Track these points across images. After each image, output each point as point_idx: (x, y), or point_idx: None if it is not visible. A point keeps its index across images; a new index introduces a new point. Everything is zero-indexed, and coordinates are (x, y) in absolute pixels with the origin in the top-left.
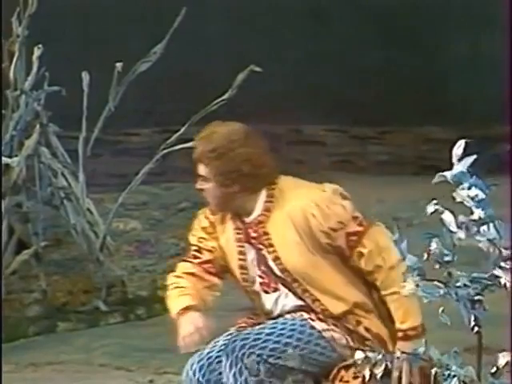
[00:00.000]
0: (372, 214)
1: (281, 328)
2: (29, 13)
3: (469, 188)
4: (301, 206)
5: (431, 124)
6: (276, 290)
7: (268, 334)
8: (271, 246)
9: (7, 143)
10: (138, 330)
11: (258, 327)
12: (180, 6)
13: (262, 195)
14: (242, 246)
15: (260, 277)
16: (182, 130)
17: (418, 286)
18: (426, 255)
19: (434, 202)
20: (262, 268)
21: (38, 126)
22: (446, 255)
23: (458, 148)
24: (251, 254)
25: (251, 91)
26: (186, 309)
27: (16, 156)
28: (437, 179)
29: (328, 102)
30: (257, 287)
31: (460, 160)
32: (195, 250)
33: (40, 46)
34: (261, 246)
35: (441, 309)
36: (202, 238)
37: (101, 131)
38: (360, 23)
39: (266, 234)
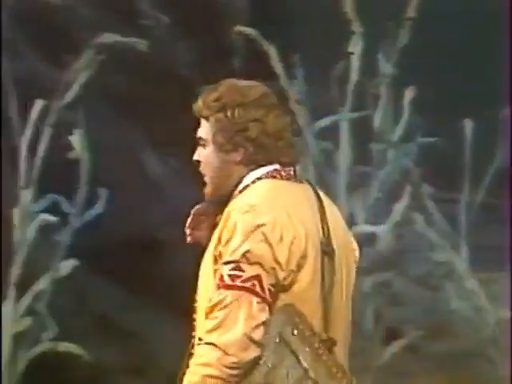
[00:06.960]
0: None
1: None
2: (399, 46)
3: None
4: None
5: None
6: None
7: None
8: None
9: (370, 207)
10: None
11: None
12: None
13: (247, 178)
14: None
15: None
16: None
17: None
18: None
19: None
20: None
21: (408, 187)
22: None
23: None
24: None
25: None
26: None
27: (383, 224)
28: None
29: None
30: None
31: None
32: None
33: (412, 87)
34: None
35: None
36: None
37: (488, 193)
38: None
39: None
